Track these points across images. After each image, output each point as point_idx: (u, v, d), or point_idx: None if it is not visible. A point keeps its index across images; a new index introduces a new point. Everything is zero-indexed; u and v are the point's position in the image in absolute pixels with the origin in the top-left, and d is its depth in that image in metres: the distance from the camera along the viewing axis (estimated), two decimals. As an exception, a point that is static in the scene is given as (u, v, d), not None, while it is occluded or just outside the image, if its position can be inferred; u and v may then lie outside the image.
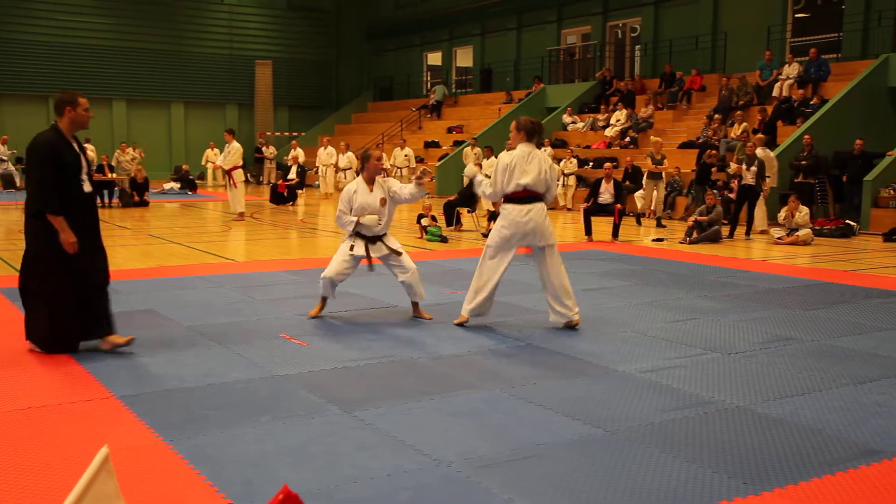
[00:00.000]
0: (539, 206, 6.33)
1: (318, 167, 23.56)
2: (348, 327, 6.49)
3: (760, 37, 20.46)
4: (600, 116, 22.48)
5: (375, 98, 34.67)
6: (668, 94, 21.75)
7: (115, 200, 19.05)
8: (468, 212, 14.63)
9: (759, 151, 13.99)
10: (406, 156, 23.52)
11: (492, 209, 13.24)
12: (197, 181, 26.30)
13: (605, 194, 13.52)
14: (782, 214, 13.36)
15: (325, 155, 23.03)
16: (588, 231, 13.04)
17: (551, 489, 3.41)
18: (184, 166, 27.49)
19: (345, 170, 23.17)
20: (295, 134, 31.45)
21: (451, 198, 15.17)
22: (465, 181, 19.32)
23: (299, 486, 3.38)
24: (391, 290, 7.73)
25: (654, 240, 13.28)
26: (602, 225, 13.74)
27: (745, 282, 8.93)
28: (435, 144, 26.41)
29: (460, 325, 6.47)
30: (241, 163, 15.95)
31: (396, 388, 4.83)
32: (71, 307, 5.37)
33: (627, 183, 16.98)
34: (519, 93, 26.56)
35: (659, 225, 15.25)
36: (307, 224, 16.14)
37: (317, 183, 24.29)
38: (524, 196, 6.30)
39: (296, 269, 9.44)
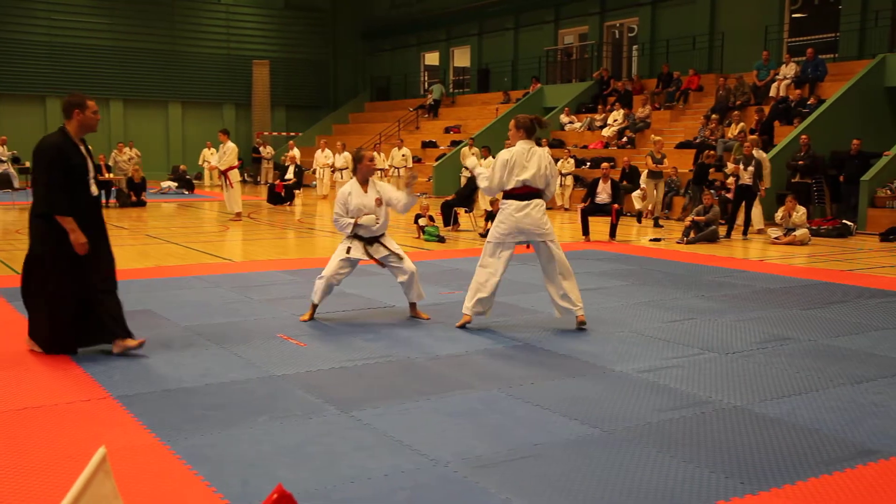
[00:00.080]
0: (537, 203, 6.34)
1: (315, 169, 23.55)
2: (346, 327, 6.49)
3: (758, 37, 20.49)
4: (597, 116, 22.49)
5: (373, 98, 34.67)
6: (665, 94, 21.77)
7: (113, 200, 19.03)
8: (466, 212, 14.64)
9: (753, 152, 14.00)
10: (403, 156, 23.49)
11: (489, 209, 13.24)
12: (194, 181, 26.29)
13: (603, 194, 13.53)
14: (779, 214, 13.37)
15: (323, 157, 23.03)
16: (585, 231, 13.05)
17: (548, 489, 3.42)
18: (181, 166, 27.47)
19: (341, 170, 23.15)
20: (292, 134, 31.44)
21: (449, 198, 15.17)
22: (464, 180, 19.36)
23: (296, 486, 3.38)
24: (389, 291, 7.73)
25: (651, 240, 13.29)
26: (599, 225, 13.74)
27: (742, 282, 8.94)
28: (432, 144, 26.41)
29: (462, 326, 6.44)
30: (236, 163, 15.94)
31: (394, 388, 4.83)
32: (70, 309, 5.36)
33: (625, 183, 17.00)
34: (516, 93, 26.57)
35: (656, 225, 15.26)
36: (304, 224, 16.13)
37: (314, 183, 24.29)
38: (523, 192, 6.30)
39: (293, 270, 9.44)
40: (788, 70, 18.77)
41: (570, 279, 6.40)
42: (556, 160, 19.22)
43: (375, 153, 21.41)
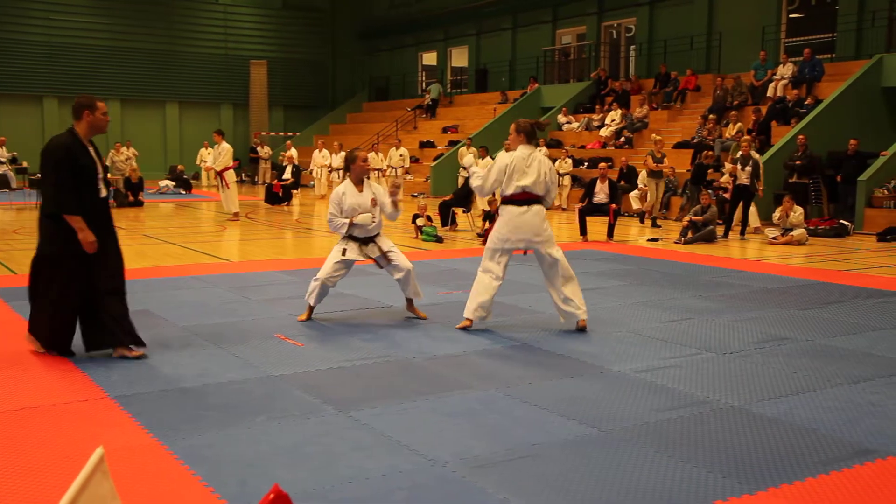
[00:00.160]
0: (537, 209, 6.32)
1: (313, 169, 23.54)
2: (343, 327, 6.48)
3: (755, 37, 20.50)
4: (595, 116, 22.51)
5: (371, 98, 34.67)
6: (662, 94, 21.78)
7: (111, 200, 18.99)
8: (463, 212, 14.64)
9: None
10: (401, 156, 23.50)
11: (487, 209, 13.24)
12: (192, 181, 26.27)
13: (601, 194, 13.54)
14: (777, 214, 13.39)
15: (320, 157, 23.03)
16: (583, 231, 13.06)
17: (546, 489, 3.42)
18: (178, 166, 27.45)
19: (339, 170, 23.15)
20: (290, 134, 31.42)
21: (447, 198, 15.17)
22: (461, 180, 19.35)
23: (294, 486, 3.38)
24: (386, 290, 7.73)
25: (649, 240, 13.30)
26: (597, 225, 13.75)
27: (739, 282, 8.95)
28: (430, 144, 26.41)
29: (463, 328, 6.43)
30: (231, 163, 15.93)
31: (392, 389, 4.83)
32: (73, 311, 5.34)
33: (622, 183, 17.01)
34: (514, 93, 26.58)
35: (654, 225, 15.27)
36: (302, 224, 16.13)
37: (312, 183, 24.27)
38: (523, 198, 6.28)
39: (291, 270, 9.44)
40: (786, 70, 18.79)
41: (572, 283, 6.38)
42: (554, 160, 19.25)
43: (373, 153, 21.55)
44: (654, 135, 18.40)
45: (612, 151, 20.42)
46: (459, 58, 31.49)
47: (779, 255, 11.55)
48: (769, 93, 18.83)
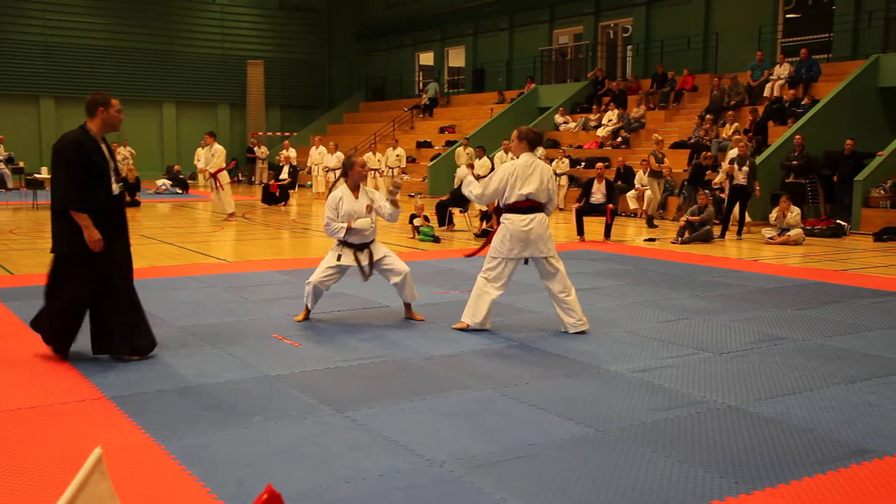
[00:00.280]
0: (540, 217, 6.30)
1: (310, 167, 23.53)
2: (340, 327, 6.48)
3: (752, 37, 20.53)
4: (592, 116, 22.52)
5: (367, 98, 34.65)
6: (659, 94, 21.80)
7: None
8: (460, 212, 14.64)
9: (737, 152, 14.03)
10: (398, 156, 23.52)
11: (484, 209, 13.24)
12: (188, 181, 26.24)
13: (597, 194, 13.55)
14: (773, 214, 13.40)
15: (318, 155, 23.00)
16: (580, 231, 13.07)
17: (543, 489, 3.42)
18: (175, 166, 27.42)
19: (334, 169, 23.14)
20: (287, 134, 31.42)
21: (444, 198, 15.17)
22: (457, 182, 19.35)
23: (291, 486, 3.38)
24: (384, 291, 7.72)
25: (645, 240, 13.31)
26: (594, 225, 13.76)
27: (736, 282, 8.96)
28: (427, 144, 26.41)
29: (460, 329, 6.41)
30: (224, 165, 15.93)
31: (389, 389, 4.83)
32: (77, 316, 5.31)
33: (619, 183, 17.02)
34: (511, 93, 26.58)
35: (651, 225, 15.29)
36: (299, 224, 16.12)
37: (309, 183, 24.26)
38: (526, 206, 6.27)
39: (287, 270, 9.43)
40: (782, 70, 18.81)
41: (571, 294, 6.37)
42: (551, 160, 19.27)
43: (370, 153, 21.54)
44: (655, 135, 18.41)
45: (609, 151, 20.43)
46: (456, 58, 31.48)
47: (775, 255, 11.57)
48: (766, 93, 18.85)
